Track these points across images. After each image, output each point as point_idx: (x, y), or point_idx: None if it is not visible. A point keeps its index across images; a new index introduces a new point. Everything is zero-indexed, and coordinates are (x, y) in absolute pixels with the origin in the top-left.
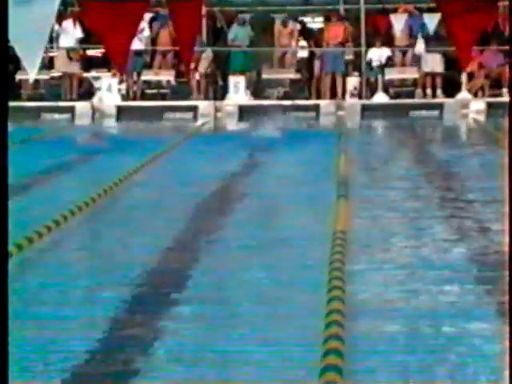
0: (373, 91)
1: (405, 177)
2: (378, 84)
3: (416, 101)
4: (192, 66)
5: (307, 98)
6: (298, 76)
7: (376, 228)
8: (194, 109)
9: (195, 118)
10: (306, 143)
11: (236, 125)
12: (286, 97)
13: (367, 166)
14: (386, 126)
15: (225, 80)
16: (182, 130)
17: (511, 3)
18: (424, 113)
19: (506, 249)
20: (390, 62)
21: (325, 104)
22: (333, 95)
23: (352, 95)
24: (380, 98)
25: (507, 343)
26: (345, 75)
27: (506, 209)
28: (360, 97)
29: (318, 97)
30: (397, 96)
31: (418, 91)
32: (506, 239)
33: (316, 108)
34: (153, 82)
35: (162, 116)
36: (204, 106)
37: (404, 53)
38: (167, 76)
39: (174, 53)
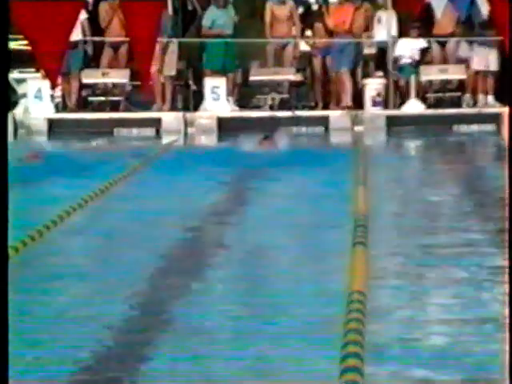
0: (403, 98)
1: (447, 214)
2: (411, 88)
3: (464, 110)
4: (154, 64)
5: (312, 108)
6: (299, 77)
7: (403, 291)
8: (157, 123)
9: (158, 135)
10: (310, 170)
11: (214, 144)
12: (282, 106)
13: (394, 202)
14: (422, 145)
15: (199, 83)
16: (140, 152)
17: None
18: (475, 127)
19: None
20: (426, 58)
21: (336, 116)
22: (353, 103)
23: (374, 103)
24: (413, 106)
25: (507, 343)
26: (362, 76)
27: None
28: (386, 105)
29: (327, 105)
30: (437, 104)
31: (467, 97)
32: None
33: (324, 121)
34: (99, 87)
35: (111, 133)
36: (170, 118)
37: (442, 44)
38: (119, 78)
39: (130, 45)
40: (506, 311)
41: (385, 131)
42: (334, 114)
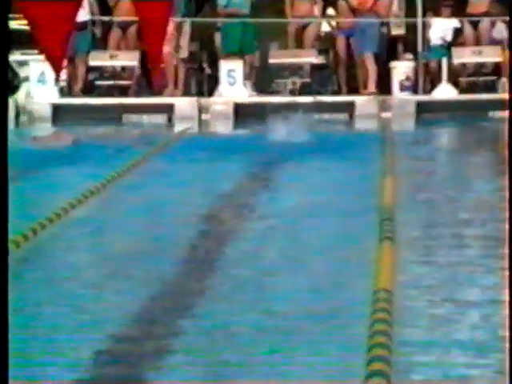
0: (434, 82)
1: (481, 208)
2: (442, 71)
3: (499, 96)
4: (166, 46)
5: (337, 93)
6: (322, 60)
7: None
8: (169, 108)
9: (170, 121)
10: (333, 159)
11: (230, 132)
12: (304, 91)
13: (424, 194)
14: (454, 133)
15: (214, 66)
16: (151, 140)
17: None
18: None
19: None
20: (459, 39)
21: (362, 101)
22: (379, 87)
23: (403, 88)
24: (445, 91)
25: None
26: (389, 59)
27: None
28: (415, 90)
29: (353, 90)
30: (470, 89)
31: (503, 81)
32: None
33: (349, 107)
34: (107, 70)
35: (120, 119)
36: (183, 104)
37: (474, 25)
38: (129, 60)
39: (140, 25)
40: (506, 311)
41: (414, 118)
42: (360, 100)
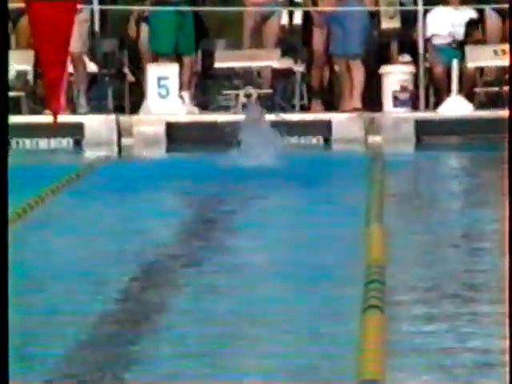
0: (440, 94)
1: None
2: (452, 78)
3: None
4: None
5: (307, 109)
6: (287, 63)
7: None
8: (77, 130)
9: (78, 147)
10: (301, 198)
11: (160, 160)
12: (262, 106)
13: (422, 250)
14: (468, 164)
15: (138, 72)
16: (52, 173)
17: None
18: None
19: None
20: (475, 35)
21: (342, 120)
22: (365, 101)
23: (398, 102)
24: (455, 106)
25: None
26: (379, 62)
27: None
28: (414, 105)
29: (330, 104)
30: (490, 103)
31: None
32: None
33: (324, 128)
34: None
35: (9, 143)
36: (96, 124)
37: (502, 15)
38: (20, 63)
39: (32, 15)
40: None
41: (413, 143)
42: (339, 118)
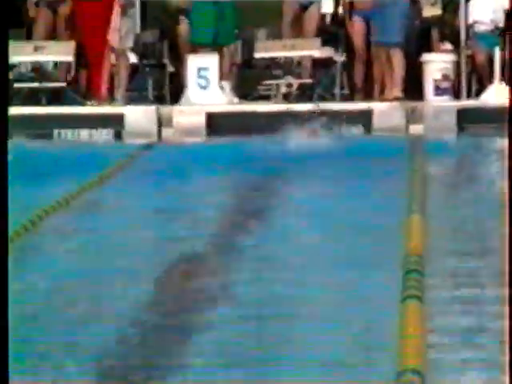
0: (483, 82)
1: None
2: (494, 66)
3: None
4: (111, 34)
5: (348, 99)
6: (327, 52)
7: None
8: (118, 121)
9: (119, 137)
10: (341, 188)
11: (201, 150)
12: (302, 96)
13: (463, 239)
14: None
15: (178, 63)
16: (93, 163)
17: None
18: None
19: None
20: None
21: (383, 109)
22: (406, 90)
23: (439, 91)
24: (498, 94)
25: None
26: (420, 50)
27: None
28: (456, 94)
29: (369, 94)
30: None
31: None
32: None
33: (365, 118)
34: (30, 67)
35: (51, 133)
36: (137, 114)
37: None
38: (61, 54)
39: (74, 5)
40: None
41: (455, 132)
42: (380, 107)
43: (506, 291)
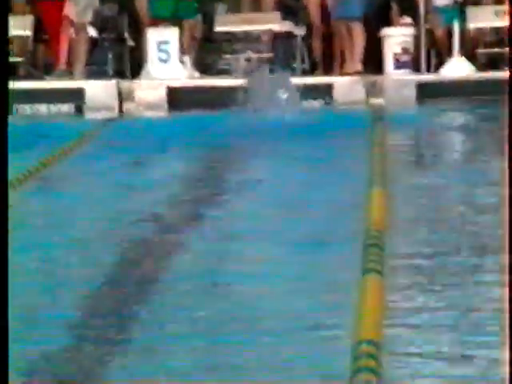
0: (442, 56)
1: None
2: (453, 40)
3: None
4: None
5: (309, 73)
6: (287, 26)
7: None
8: (78, 95)
9: (79, 112)
10: (301, 161)
11: (162, 126)
12: (263, 68)
13: (424, 213)
14: (470, 126)
15: (138, 36)
16: (53, 138)
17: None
18: None
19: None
20: None
21: (344, 83)
22: (366, 64)
23: (399, 64)
24: (457, 68)
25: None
26: (378, 24)
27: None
28: (416, 67)
29: (330, 68)
30: (492, 64)
31: None
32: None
33: (326, 91)
34: None
35: (11, 109)
36: (97, 89)
37: None
38: (18, 28)
39: None
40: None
41: (415, 105)
42: (341, 81)
43: (468, 259)
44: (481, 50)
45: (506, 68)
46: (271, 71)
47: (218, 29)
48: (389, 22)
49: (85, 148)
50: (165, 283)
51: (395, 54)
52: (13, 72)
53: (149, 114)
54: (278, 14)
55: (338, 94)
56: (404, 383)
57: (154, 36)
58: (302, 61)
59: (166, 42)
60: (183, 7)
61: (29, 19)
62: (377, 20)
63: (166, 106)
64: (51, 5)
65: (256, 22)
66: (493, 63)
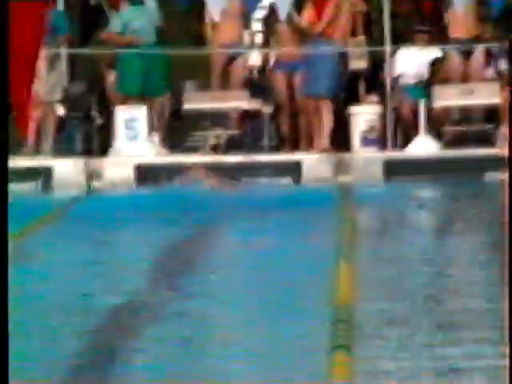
0: (408, 133)
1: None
2: (419, 118)
3: (498, 151)
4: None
5: (276, 150)
6: (255, 104)
7: None
8: (46, 173)
9: (48, 189)
10: (269, 237)
11: (129, 203)
12: (231, 147)
13: (390, 289)
14: (437, 204)
15: (107, 114)
16: (19, 215)
17: None
18: None
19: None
20: (440, 74)
21: (312, 161)
22: (334, 142)
23: (366, 142)
24: (423, 146)
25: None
26: (347, 102)
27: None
28: (383, 144)
29: (297, 145)
30: (458, 142)
31: (503, 132)
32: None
33: (294, 169)
34: None
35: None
36: (65, 167)
37: (469, 53)
38: None
39: None
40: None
41: (382, 182)
42: (309, 159)
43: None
44: (447, 128)
45: (474, 146)
46: (240, 148)
47: (187, 106)
48: (356, 100)
49: (52, 225)
50: None
51: (362, 132)
52: None
53: (117, 191)
54: (246, 93)
55: (305, 171)
56: None
57: (122, 114)
58: (270, 138)
59: (134, 120)
60: (152, 84)
61: None
62: (344, 98)
63: (134, 183)
64: (19, 83)
65: (224, 99)
66: (458, 141)
